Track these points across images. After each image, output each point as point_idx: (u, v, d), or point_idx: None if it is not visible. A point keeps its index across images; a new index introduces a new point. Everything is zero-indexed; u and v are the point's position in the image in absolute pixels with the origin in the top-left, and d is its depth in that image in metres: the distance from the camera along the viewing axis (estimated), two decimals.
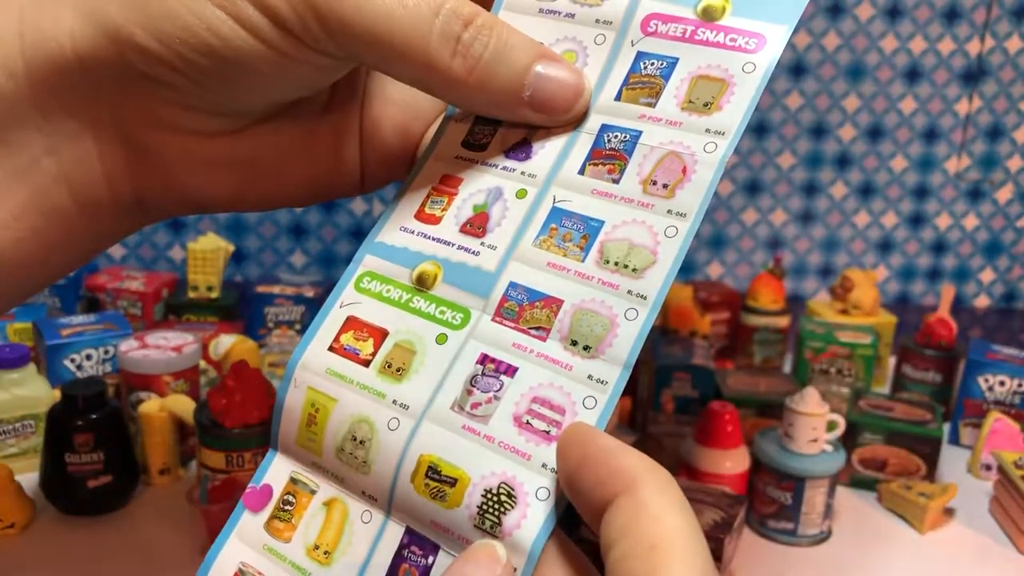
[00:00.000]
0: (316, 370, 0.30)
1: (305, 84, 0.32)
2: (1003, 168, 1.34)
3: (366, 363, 0.30)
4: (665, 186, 0.29)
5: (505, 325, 0.29)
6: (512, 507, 0.26)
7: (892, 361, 0.98)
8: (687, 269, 1.23)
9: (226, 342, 0.81)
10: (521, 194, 0.31)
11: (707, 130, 0.29)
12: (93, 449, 0.65)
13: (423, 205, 0.33)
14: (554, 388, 0.27)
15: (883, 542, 0.70)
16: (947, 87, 1.36)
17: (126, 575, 0.59)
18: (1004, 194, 1.37)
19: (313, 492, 0.30)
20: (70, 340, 0.76)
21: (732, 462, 0.68)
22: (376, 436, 0.29)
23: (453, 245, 0.31)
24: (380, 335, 0.30)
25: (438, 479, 0.27)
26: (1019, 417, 0.83)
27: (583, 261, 0.29)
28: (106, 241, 0.36)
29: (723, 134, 0.29)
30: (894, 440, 0.75)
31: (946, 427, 0.87)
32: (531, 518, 0.25)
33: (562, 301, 0.29)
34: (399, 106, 0.36)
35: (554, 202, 0.31)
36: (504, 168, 0.32)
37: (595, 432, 0.25)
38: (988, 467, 0.80)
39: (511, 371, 0.28)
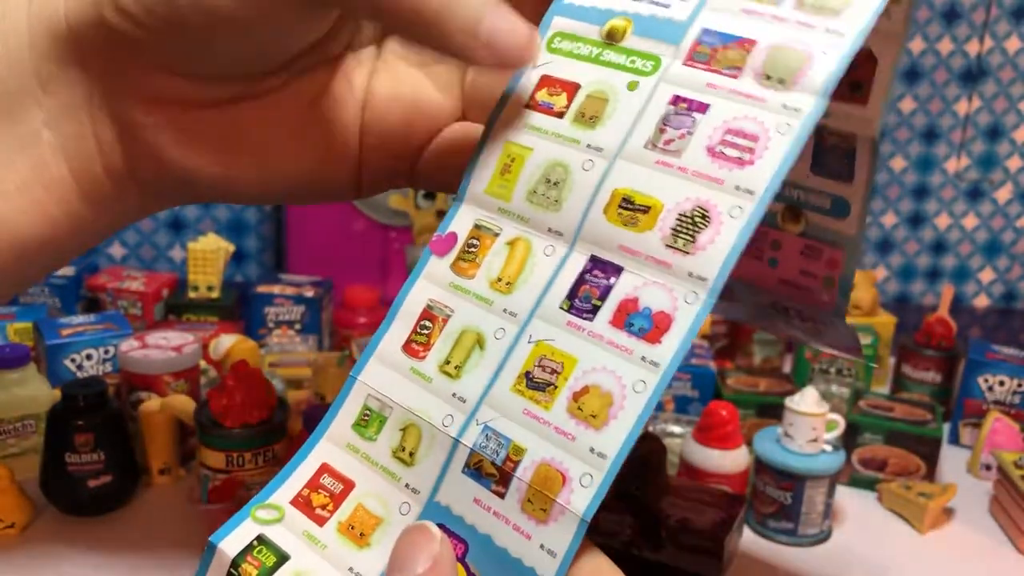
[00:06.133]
0: (514, 125, 0.32)
1: (276, 41, 0.32)
2: (1002, 168, 1.34)
3: (560, 115, 0.32)
4: None
5: (697, 68, 0.30)
6: (706, 226, 0.27)
7: (892, 361, 0.98)
8: None
9: (226, 342, 0.81)
10: None
11: None
12: (93, 449, 0.65)
13: None
14: (748, 119, 0.28)
15: (883, 542, 0.70)
16: (946, 87, 1.36)
17: (126, 575, 0.60)
18: (1003, 194, 1.37)
19: (497, 234, 0.32)
20: (70, 340, 0.76)
21: (732, 462, 0.68)
22: (570, 176, 0.30)
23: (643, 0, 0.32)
24: (573, 88, 0.32)
25: (631, 208, 0.29)
26: (1019, 417, 0.83)
27: (778, 5, 0.30)
28: (107, 224, 0.36)
29: None
30: (894, 440, 0.75)
31: (946, 427, 0.87)
32: (724, 235, 0.27)
33: (756, 41, 0.29)
34: (405, 103, 0.36)
35: None
36: None
37: None
38: (988, 467, 0.80)
39: (703, 108, 0.29)
